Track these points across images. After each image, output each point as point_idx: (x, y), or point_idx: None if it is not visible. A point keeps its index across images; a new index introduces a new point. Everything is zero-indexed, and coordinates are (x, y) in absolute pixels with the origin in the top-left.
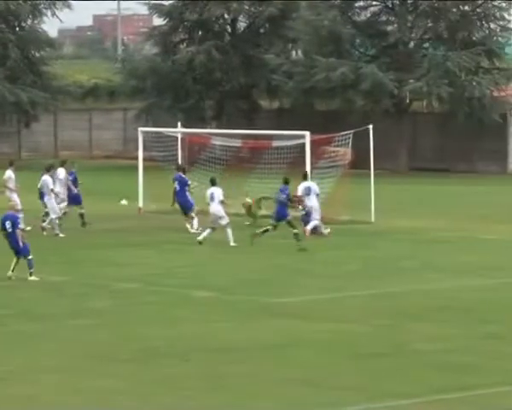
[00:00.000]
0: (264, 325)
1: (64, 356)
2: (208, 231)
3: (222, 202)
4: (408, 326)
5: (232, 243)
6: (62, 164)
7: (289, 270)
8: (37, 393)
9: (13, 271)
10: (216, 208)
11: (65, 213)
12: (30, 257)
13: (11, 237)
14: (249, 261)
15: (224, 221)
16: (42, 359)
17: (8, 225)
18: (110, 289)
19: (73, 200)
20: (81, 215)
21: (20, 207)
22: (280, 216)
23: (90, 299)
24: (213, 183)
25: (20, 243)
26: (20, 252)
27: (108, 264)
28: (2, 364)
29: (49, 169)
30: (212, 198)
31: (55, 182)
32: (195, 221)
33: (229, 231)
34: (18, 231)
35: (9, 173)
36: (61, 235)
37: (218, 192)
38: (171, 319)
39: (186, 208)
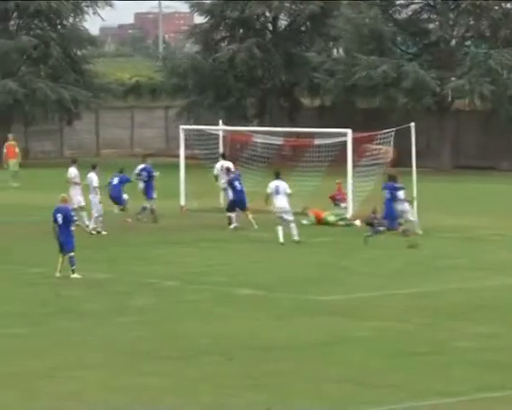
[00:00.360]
0: (307, 323)
1: (107, 353)
2: (281, 228)
3: (289, 196)
4: (450, 324)
5: (297, 238)
6: (144, 159)
7: (332, 268)
8: (80, 390)
9: (60, 271)
10: (282, 202)
11: (144, 209)
12: (72, 254)
13: (61, 231)
14: (291, 259)
15: (291, 216)
16: (85, 356)
17: (59, 217)
18: (152, 287)
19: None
20: (152, 211)
21: (75, 205)
22: (389, 215)
23: (133, 296)
24: (277, 176)
25: (72, 239)
26: (65, 248)
27: (150, 262)
28: (47, 361)
29: (95, 166)
30: (277, 191)
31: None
32: (235, 217)
33: (294, 225)
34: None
35: (74, 171)
36: (103, 232)
37: (283, 185)
38: (214, 316)
39: (245, 205)
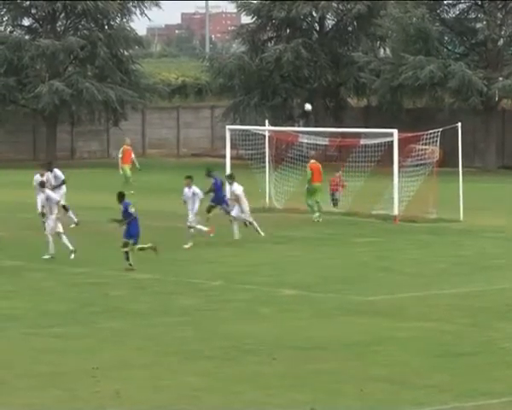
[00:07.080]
0: (349, 322)
1: (150, 353)
2: None
3: None
4: (494, 325)
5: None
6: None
7: (374, 268)
8: (123, 389)
9: None
10: None
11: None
12: None
13: None
14: (332, 259)
15: None
16: (128, 356)
17: None
18: (196, 287)
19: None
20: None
21: None
22: None
23: (177, 297)
24: None
25: None
26: None
27: (194, 262)
28: (90, 361)
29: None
30: None
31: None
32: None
33: None
34: None
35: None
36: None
37: None
38: (257, 316)
39: None
